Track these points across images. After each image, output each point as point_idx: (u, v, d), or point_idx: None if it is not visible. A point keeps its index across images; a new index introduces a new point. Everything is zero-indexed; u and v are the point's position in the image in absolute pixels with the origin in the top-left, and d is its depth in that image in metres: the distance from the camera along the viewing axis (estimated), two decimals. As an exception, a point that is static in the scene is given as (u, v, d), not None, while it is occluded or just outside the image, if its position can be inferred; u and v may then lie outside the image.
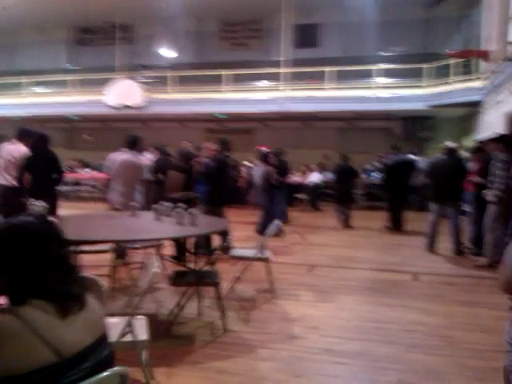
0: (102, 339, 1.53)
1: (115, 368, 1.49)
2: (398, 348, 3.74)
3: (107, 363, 1.51)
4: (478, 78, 12.09)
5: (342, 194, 10.13)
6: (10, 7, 15.89)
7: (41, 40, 19.44)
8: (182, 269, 4.48)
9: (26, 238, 1.46)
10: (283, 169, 9.52)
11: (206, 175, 6.93)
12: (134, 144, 6.23)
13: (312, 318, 4.40)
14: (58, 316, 1.40)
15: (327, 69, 14.10)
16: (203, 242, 5.91)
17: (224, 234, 6.63)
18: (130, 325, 2.73)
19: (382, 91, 13.97)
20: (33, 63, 18.91)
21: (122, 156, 6.17)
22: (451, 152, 7.58)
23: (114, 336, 2.55)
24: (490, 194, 6.18)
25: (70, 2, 16.03)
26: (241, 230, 8.29)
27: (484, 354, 3.61)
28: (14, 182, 6.09)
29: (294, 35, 16.27)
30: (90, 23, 19.11)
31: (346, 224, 10.11)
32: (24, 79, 16.52)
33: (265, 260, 5.04)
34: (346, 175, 10.11)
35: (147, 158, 7.83)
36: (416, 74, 13.80)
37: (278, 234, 8.58)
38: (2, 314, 1.36)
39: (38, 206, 4.78)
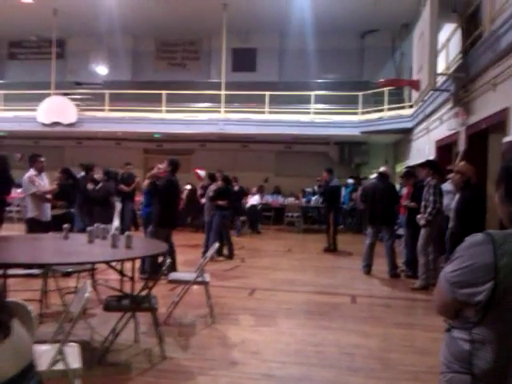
0: (29, 369, 1.40)
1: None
2: (337, 372, 3.74)
3: None
4: (410, 107, 12.66)
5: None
6: None
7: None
8: (116, 294, 4.30)
9: None
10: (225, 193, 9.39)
11: (154, 196, 6.80)
12: (31, 162, 6.73)
13: (252, 342, 4.33)
14: None
15: (266, 93, 14.30)
16: (150, 265, 5.77)
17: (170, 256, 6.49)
18: (61, 352, 2.58)
19: (319, 116, 14.31)
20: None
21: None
22: (383, 177, 7.83)
23: (44, 364, 2.40)
24: (421, 219, 6.41)
25: (1, 15, 15.33)
26: (185, 253, 8.12)
27: (420, 375, 3.68)
28: None
29: (232, 58, 16.43)
30: (22, 37, 18.38)
31: (240, 234, 11.82)
32: None
33: (204, 284, 4.92)
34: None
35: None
36: (351, 101, 14.25)
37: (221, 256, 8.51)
38: None
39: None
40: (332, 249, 9.75)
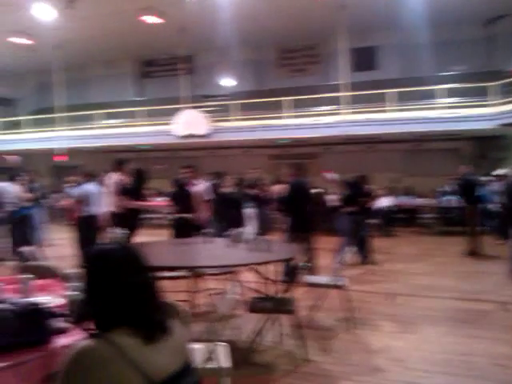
0: (188, 365, 1.52)
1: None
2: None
3: None
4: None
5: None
6: (82, 43, 16.91)
7: (110, 74, 20.40)
8: (259, 295, 4.43)
9: (112, 264, 1.47)
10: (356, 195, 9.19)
11: (280, 203, 6.95)
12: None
13: (395, 349, 4.21)
14: (145, 342, 1.39)
15: (388, 91, 13.85)
16: (290, 269, 5.89)
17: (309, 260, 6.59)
18: (212, 351, 2.70)
19: (447, 111, 13.51)
20: (103, 96, 19.87)
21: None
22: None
23: (196, 362, 2.52)
24: None
25: (134, 37, 16.79)
26: (321, 257, 8.09)
27: None
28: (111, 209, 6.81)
29: (352, 59, 16.17)
30: (154, 56, 19.89)
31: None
32: (95, 112, 17.31)
33: (341, 288, 4.89)
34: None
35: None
36: (479, 93, 13.29)
37: (361, 261, 8.36)
38: (94, 340, 1.37)
39: (118, 232, 4.93)
40: (475, 252, 9.07)
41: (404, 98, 13.93)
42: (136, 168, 7.47)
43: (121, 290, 1.44)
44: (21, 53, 17.46)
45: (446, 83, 14.06)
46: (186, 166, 7.42)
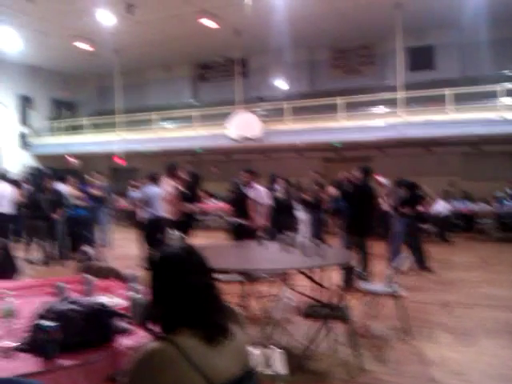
0: (249, 369, 1.53)
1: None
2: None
3: None
4: None
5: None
6: (140, 48, 17.44)
7: (167, 78, 20.89)
8: (313, 301, 4.42)
9: (177, 267, 1.50)
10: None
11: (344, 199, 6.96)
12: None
13: (453, 361, 4.11)
14: (206, 344, 1.42)
15: (447, 91, 13.39)
16: (348, 275, 5.87)
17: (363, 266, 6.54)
18: (269, 357, 2.71)
19: (508, 112, 12.90)
20: (160, 100, 20.37)
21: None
22: None
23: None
24: None
25: (191, 41, 17.11)
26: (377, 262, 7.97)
27: None
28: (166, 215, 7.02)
29: (408, 58, 15.82)
30: (209, 59, 20.18)
31: None
32: (153, 115, 17.74)
33: (396, 296, 4.79)
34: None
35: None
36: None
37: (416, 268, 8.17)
38: (160, 342, 1.42)
39: (175, 235, 5.06)
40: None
41: (463, 99, 13.45)
42: (190, 171, 7.62)
43: (185, 292, 1.47)
44: (82, 57, 18.16)
45: (509, 82, 13.49)
46: (247, 170, 7.39)
